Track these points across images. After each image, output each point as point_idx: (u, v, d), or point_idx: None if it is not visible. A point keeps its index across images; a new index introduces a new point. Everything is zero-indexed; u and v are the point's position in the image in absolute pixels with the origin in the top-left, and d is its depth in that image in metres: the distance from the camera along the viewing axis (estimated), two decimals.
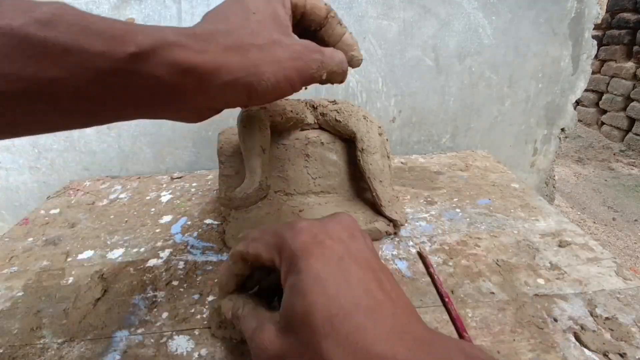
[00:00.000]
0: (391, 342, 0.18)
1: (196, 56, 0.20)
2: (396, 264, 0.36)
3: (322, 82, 0.27)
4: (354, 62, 0.30)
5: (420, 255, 0.37)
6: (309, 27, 0.28)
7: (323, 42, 0.28)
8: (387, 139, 0.40)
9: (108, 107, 0.20)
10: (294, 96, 0.28)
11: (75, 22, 0.17)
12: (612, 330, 0.28)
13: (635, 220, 1.79)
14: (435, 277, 0.33)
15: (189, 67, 0.20)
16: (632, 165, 2.31)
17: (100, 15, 0.18)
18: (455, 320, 0.28)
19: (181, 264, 0.37)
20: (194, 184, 0.56)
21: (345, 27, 0.29)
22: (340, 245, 0.22)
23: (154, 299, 0.33)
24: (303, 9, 0.27)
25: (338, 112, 0.38)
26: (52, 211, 0.50)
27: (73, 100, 0.19)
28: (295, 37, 0.25)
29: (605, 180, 2.17)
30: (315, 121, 0.40)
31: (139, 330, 0.30)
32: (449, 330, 0.28)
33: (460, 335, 0.27)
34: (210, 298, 0.33)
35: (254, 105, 0.28)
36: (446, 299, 0.30)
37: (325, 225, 0.23)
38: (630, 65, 2.44)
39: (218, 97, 0.23)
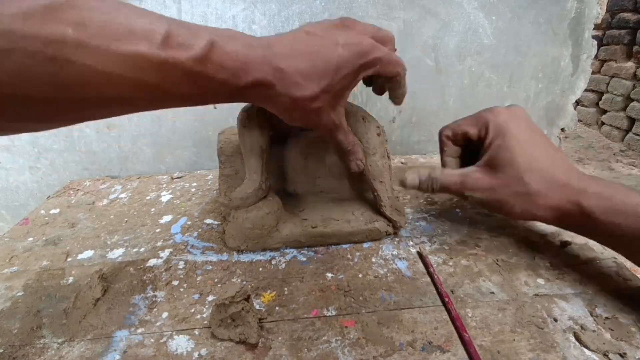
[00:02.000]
0: (567, 174, 0.32)
1: (275, 95, 0.28)
2: (396, 264, 0.36)
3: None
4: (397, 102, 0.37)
5: (420, 255, 0.37)
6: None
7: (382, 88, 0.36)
8: (386, 140, 0.40)
9: (213, 102, 0.28)
10: None
11: (217, 59, 0.24)
12: (612, 330, 0.28)
13: None
14: (435, 277, 0.33)
15: (268, 98, 0.29)
16: (632, 165, 2.31)
17: (231, 48, 0.25)
18: (455, 320, 0.28)
19: (181, 264, 0.37)
20: (194, 184, 0.56)
21: (404, 87, 0.35)
22: (526, 123, 0.35)
23: (154, 299, 0.33)
24: (377, 74, 0.32)
25: None
26: (52, 211, 0.50)
27: (194, 103, 0.27)
28: (338, 114, 0.32)
29: None
30: None
31: (139, 330, 0.30)
32: (449, 330, 0.28)
33: (460, 336, 0.27)
34: (210, 298, 0.33)
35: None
36: (446, 299, 0.30)
37: (513, 111, 0.36)
38: (630, 65, 2.44)
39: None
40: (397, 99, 0.36)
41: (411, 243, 0.39)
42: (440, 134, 0.40)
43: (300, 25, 0.31)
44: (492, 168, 0.34)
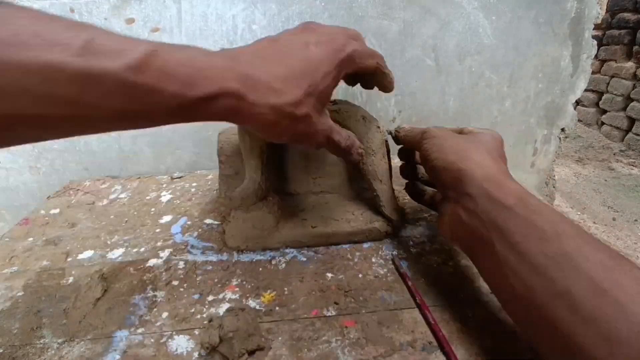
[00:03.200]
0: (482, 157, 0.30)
1: (248, 107, 0.23)
2: (396, 264, 0.36)
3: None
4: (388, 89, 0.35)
5: (394, 262, 0.36)
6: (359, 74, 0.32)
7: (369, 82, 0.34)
8: (386, 140, 0.40)
9: (160, 124, 0.23)
10: None
11: (158, 68, 0.20)
12: None
13: (635, 220, 1.79)
14: (410, 284, 0.33)
15: (238, 112, 0.24)
16: (632, 165, 2.31)
17: (180, 55, 0.21)
18: (433, 328, 0.28)
19: (181, 264, 0.37)
20: (194, 184, 0.56)
21: (389, 73, 0.33)
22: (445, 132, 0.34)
23: (154, 299, 0.33)
24: (357, 69, 0.31)
25: (337, 113, 0.38)
26: (52, 211, 0.50)
27: (133, 124, 0.22)
28: (325, 117, 0.29)
29: (605, 180, 2.17)
30: None
31: (139, 330, 0.30)
32: (450, 330, 0.28)
33: (440, 344, 0.27)
34: (210, 298, 0.33)
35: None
36: (420, 303, 0.30)
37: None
38: (630, 65, 2.44)
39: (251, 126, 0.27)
40: (386, 87, 0.34)
41: (411, 243, 0.39)
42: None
43: (258, 39, 0.28)
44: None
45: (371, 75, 0.33)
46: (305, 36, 0.27)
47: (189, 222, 0.45)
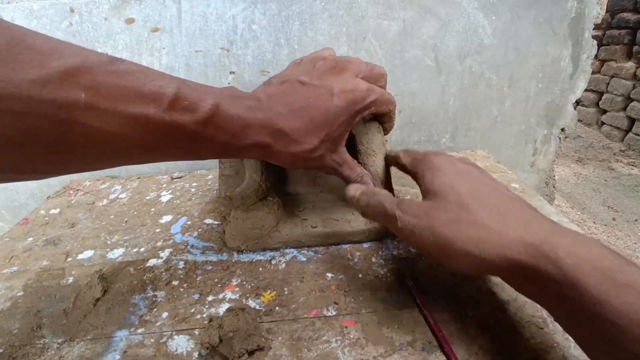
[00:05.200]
0: (529, 215, 0.24)
1: (274, 153, 0.30)
2: (396, 264, 0.36)
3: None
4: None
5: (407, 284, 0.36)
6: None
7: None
8: (386, 140, 0.40)
9: (203, 159, 0.29)
10: None
11: (219, 123, 0.25)
12: None
13: (635, 220, 1.79)
14: (410, 284, 0.33)
15: (266, 155, 0.30)
16: (632, 165, 2.31)
17: (233, 112, 0.26)
18: (433, 328, 0.28)
19: (181, 264, 0.37)
20: (194, 184, 0.56)
21: (394, 120, 0.37)
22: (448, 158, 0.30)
23: (154, 299, 0.33)
24: (371, 114, 0.34)
25: None
26: (52, 211, 0.50)
27: (187, 159, 0.29)
28: (339, 154, 0.33)
29: (605, 180, 2.17)
30: None
31: (139, 330, 0.30)
32: (450, 330, 0.28)
33: (440, 345, 0.27)
34: (210, 298, 0.33)
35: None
36: (420, 303, 0.30)
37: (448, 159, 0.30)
38: (630, 65, 2.44)
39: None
40: (385, 131, 0.39)
41: None
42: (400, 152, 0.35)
43: (294, 69, 0.33)
44: (429, 195, 0.27)
45: (379, 115, 0.36)
46: (332, 80, 0.30)
47: (189, 222, 0.45)
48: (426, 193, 0.28)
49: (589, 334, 0.20)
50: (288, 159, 0.31)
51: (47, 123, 0.19)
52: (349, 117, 0.31)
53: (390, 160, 0.37)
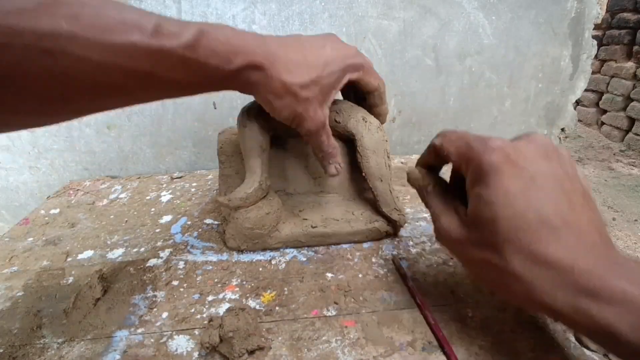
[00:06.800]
0: (573, 254, 0.20)
1: (267, 80, 0.28)
2: (396, 264, 0.36)
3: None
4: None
5: (395, 264, 0.36)
6: (360, 92, 0.36)
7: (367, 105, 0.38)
8: (386, 140, 0.40)
9: (206, 91, 0.28)
10: None
11: (207, 45, 0.25)
12: None
13: (635, 220, 1.79)
14: (410, 284, 0.33)
15: (259, 83, 0.28)
16: (632, 165, 2.31)
17: (220, 34, 0.25)
18: (433, 328, 0.28)
19: (181, 264, 0.37)
20: (194, 184, 0.56)
21: (385, 103, 0.38)
22: (532, 166, 0.22)
23: (153, 299, 0.33)
24: (359, 80, 0.34)
25: (337, 113, 0.38)
26: (52, 211, 0.50)
27: (187, 92, 0.27)
28: (323, 112, 0.32)
29: (605, 180, 2.17)
30: None
31: (139, 330, 0.30)
32: (450, 330, 0.28)
33: (440, 345, 0.27)
34: (210, 298, 0.33)
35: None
36: (420, 303, 0.30)
37: (518, 146, 0.24)
38: (630, 65, 2.44)
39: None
40: (380, 116, 0.38)
41: (411, 243, 0.39)
42: (436, 138, 0.31)
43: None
44: (471, 222, 0.24)
45: (369, 95, 0.36)
46: (325, 40, 0.31)
47: (189, 222, 0.45)
48: (470, 213, 0.24)
49: None
50: (277, 91, 0.29)
51: (33, 54, 0.20)
52: (338, 69, 0.31)
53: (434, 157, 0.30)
